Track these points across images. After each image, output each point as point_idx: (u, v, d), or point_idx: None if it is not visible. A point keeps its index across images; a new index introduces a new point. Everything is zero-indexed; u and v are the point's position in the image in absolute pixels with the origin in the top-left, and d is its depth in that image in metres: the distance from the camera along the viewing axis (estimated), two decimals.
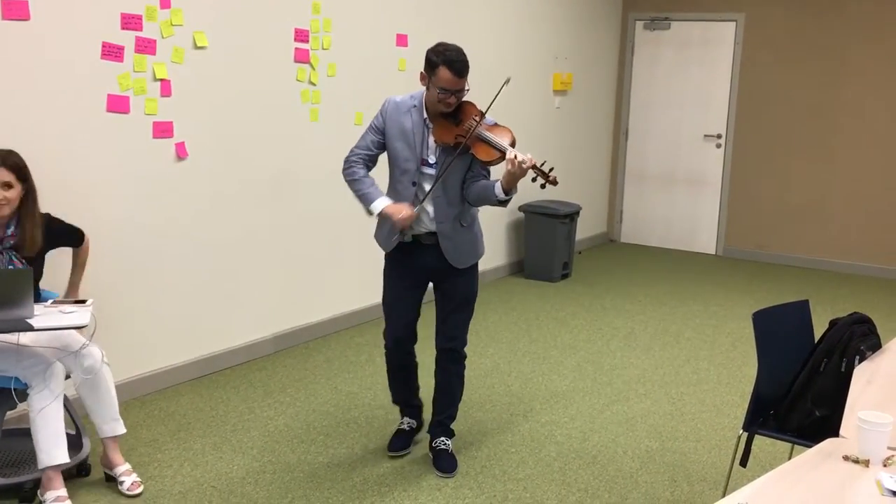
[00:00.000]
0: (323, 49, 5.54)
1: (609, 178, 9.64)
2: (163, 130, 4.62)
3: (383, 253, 3.94)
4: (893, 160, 8.16)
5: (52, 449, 3.41)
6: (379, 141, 3.77)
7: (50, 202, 4.12)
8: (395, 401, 4.23)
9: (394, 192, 3.77)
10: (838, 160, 8.41)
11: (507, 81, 3.73)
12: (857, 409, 2.66)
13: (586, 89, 8.85)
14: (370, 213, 3.73)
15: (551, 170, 3.65)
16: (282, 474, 3.88)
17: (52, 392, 3.41)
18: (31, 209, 3.58)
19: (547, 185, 3.63)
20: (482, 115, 3.67)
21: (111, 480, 3.72)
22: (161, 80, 4.56)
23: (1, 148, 3.54)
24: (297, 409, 4.63)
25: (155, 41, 4.50)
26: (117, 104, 4.37)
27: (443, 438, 4.04)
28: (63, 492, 3.44)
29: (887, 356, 3.33)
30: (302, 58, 5.39)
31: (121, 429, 3.70)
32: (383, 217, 3.72)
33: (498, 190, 3.61)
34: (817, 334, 3.53)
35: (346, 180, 3.79)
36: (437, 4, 6.49)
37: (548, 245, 7.64)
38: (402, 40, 6.16)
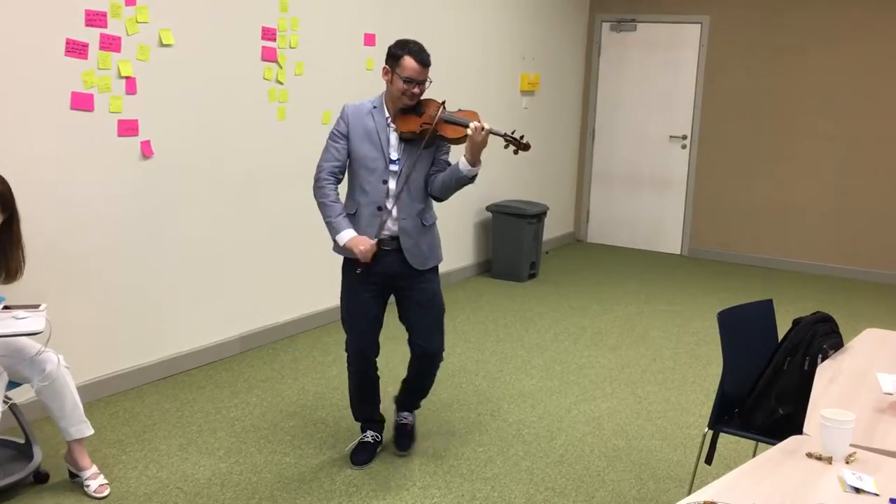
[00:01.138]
0: (290, 48, 5.51)
1: (576, 179, 9.68)
2: (128, 129, 4.57)
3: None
4: (855, 161, 8.28)
5: None
6: (344, 147, 3.76)
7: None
8: (358, 418, 4.15)
9: (363, 194, 3.74)
10: (802, 161, 8.52)
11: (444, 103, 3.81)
12: (820, 407, 2.70)
13: (553, 90, 8.89)
14: (336, 242, 3.75)
15: (522, 136, 3.72)
16: (249, 475, 3.86)
17: None
18: (14, 237, 3.52)
19: (520, 150, 3.71)
20: (441, 105, 3.73)
21: (75, 477, 3.67)
22: (126, 77, 4.52)
23: None
24: (263, 409, 4.61)
25: (120, 38, 4.45)
26: (81, 102, 4.32)
27: (405, 412, 4.19)
28: None
29: (849, 355, 3.38)
30: (269, 56, 5.36)
31: (88, 430, 3.66)
32: (344, 250, 3.74)
33: (463, 164, 3.67)
34: (781, 333, 3.57)
35: (317, 201, 3.77)
36: (405, 4, 6.48)
37: (515, 245, 7.66)
38: (369, 39, 6.14)
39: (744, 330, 3.56)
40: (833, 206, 8.43)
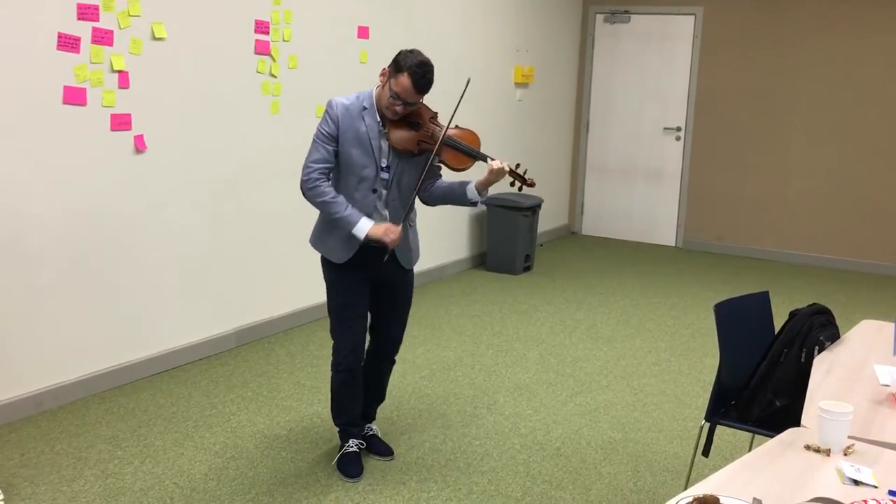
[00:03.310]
0: (284, 41, 5.49)
1: (570, 171, 9.68)
2: (121, 123, 4.55)
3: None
4: (849, 152, 8.29)
5: None
6: (335, 150, 3.55)
7: (4, 197, 4.05)
8: (340, 422, 3.92)
9: (351, 201, 3.58)
10: (796, 152, 8.53)
11: (469, 83, 3.72)
12: (817, 399, 2.70)
13: (547, 82, 8.88)
14: (354, 237, 3.55)
15: (525, 172, 3.66)
16: (245, 470, 3.85)
17: None
18: None
19: (524, 187, 3.64)
20: (435, 115, 3.60)
21: None
22: (118, 71, 4.49)
23: None
24: (259, 404, 4.59)
25: (112, 32, 4.42)
26: (74, 96, 4.29)
27: (370, 425, 4.10)
28: None
29: (846, 346, 3.38)
30: (262, 50, 5.34)
31: None
32: (369, 241, 3.55)
33: (472, 193, 3.58)
34: (777, 325, 3.57)
35: (316, 201, 3.55)
36: None
37: (510, 238, 7.65)
38: (363, 32, 6.12)
39: (740, 322, 3.56)
40: (829, 196, 8.44)
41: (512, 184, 3.69)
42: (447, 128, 3.55)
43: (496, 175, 3.50)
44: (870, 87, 8.11)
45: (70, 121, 4.30)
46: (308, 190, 3.56)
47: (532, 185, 3.64)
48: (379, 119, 3.55)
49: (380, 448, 4.04)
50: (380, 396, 4.10)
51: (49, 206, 4.26)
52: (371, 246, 3.60)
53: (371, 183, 3.59)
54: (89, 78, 4.35)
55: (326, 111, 3.56)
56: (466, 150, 3.56)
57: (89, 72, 4.34)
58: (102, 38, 4.38)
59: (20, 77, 4.06)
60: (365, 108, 3.55)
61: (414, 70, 3.39)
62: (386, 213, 3.65)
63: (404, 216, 3.66)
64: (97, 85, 4.39)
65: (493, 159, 3.51)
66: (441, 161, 3.60)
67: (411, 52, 3.46)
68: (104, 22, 4.38)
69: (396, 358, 4.03)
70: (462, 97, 3.65)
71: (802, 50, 8.35)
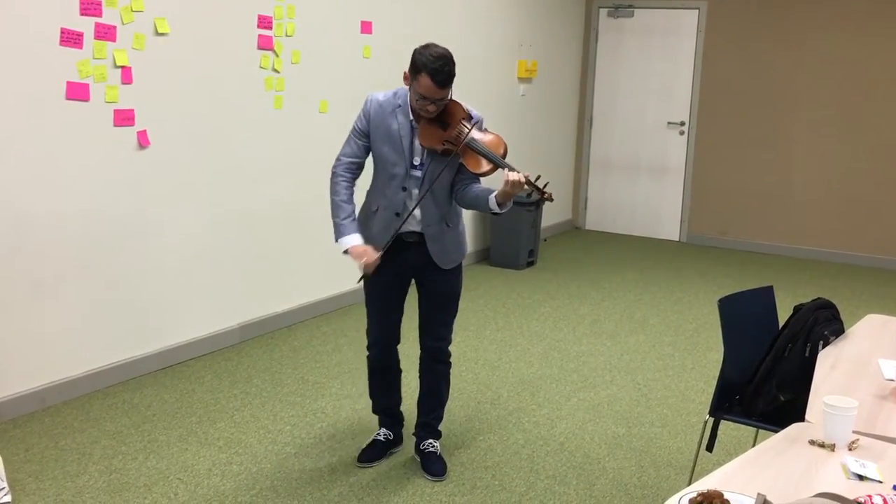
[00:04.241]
0: (287, 36, 5.48)
1: (574, 166, 9.66)
2: (124, 118, 4.54)
3: None
4: (854, 146, 8.27)
5: None
6: (365, 146, 3.57)
7: (8, 193, 4.05)
8: (376, 409, 3.99)
9: (383, 197, 3.58)
10: (800, 147, 8.50)
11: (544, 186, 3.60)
12: (822, 394, 2.69)
13: (551, 77, 8.86)
14: (336, 242, 3.59)
15: (546, 185, 3.56)
16: (249, 466, 3.85)
17: None
18: None
19: (544, 200, 3.54)
20: (471, 117, 3.51)
21: None
22: (122, 67, 4.49)
23: None
24: (263, 399, 4.60)
25: (115, 27, 4.42)
26: (77, 92, 4.29)
27: (430, 441, 3.93)
28: None
29: (850, 341, 3.37)
30: (265, 45, 5.33)
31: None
32: (348, 254, 3.56)
33: (493, 204, 3.47)
34: (781, 320, 3.57)
35: (330, 196, 3.59)
36: None
37: (513, 232, 7.64)
38: (366, 27, 6.11)
39: (744, 317, 3.56)
40: (833, 191, 8.42)
41: (529, 195, 3.58)
42: (471, 127, 3.47)
43: (512, 187, 3.36)
44: (875, 81, 8.09)
45: (73, 117, 4.30)
46: (330, 182, 3.61)
47: (551, 199, 3.51)
48: (412, 118, 3.51)
49: (430, 467, 3.84)
50: (434, 402, 3.90)
51: (53, 202, 4.26)
52: (399, 240, 3.60)
53: (401, 181, 3.54)
54: (92, 73, 4.35)
55: (362, 107, 3.57)
56: (485, 154, 3.46)
57: (92, 67, 4.34)
58: (105, 33, 4.37)
59: (23, 73, 4.05)
60: (399, 106, 3.51)
61: (429, 68, 3.31)
62: (417, 212, 3.58)
63: (440, 216, 3.61)
64: (100, 80, 4.39)
65: (512, 170, 3.38)
66: (461, 163, 3.51)
67: (426, 47, 3.39)
68: (107, 17, 4.37)
69: (451, 361, 3.88)
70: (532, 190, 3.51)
71: (807, 44, 8.32)
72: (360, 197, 3.67)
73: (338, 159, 3.61)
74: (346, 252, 3.57)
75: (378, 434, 4.00)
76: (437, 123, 3.49)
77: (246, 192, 5.37)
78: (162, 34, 4.68)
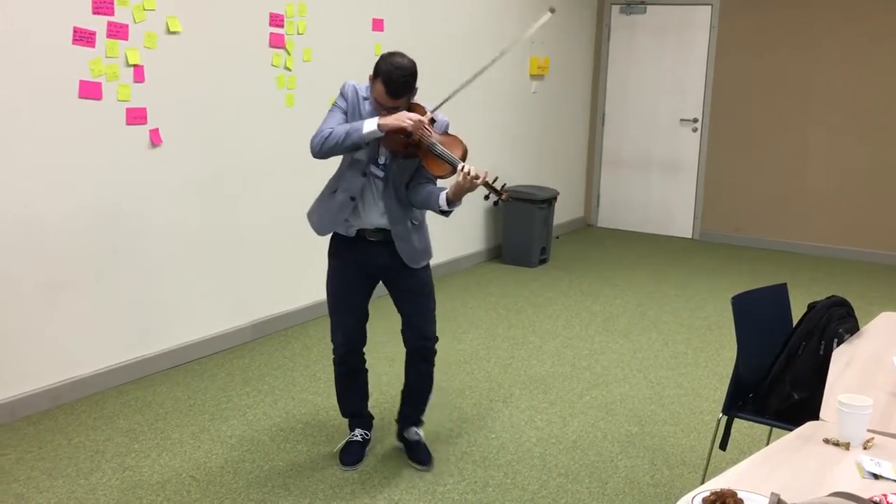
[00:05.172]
0: (298, 34, 5.48)
1: (586, 163, 9.64)
2: (136, 117, 4.55)
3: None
4: (867, 142, 8.22)
5: None
6: (345, 120, 3.53)
7: (21, 191, 4.07)
8: (345, 413, 3.97)
9: (343, 180, 3.59)
10: (813, 143, 8.46)
11: (553, 11, 3.60)
12: (836, 392, 2.67)
13: (563, 74, 8.84)
14: (368, 139, 3.39)
15: (503, 186, 3.55)
16: (261, 463, 3.86)
17: None
18: None
19: (499, 202, 3.52)
20: (433, 120, 3.50)
21: None
22: (134, 65, 4.50)
23: None
24: (275, 397, 4.60)
25: (127, 26, 4.43)
26: (89, 90, 4.30)
27: (415, 428, 3.96)
28: None
29: (865, 339, 3.35)
30: (277, 43, 5.34)
31: None
32: (386, 129, 3.34)
33: (442, 200, 3.45)
34: (795, 317, 3.54)
35: (324, 141, 3.40)
36: None
37: (525, 230, 7.63)
38: (377, 25, 6.11)
39: (758, 314, 3.53)
40: (847, 187, 8.37)
41: (486, 197, 3.52)
42: (431, 130, 3.45)
43: (464, 181, 3.34)
44: (889, 78, 8.03)
45: (86, 115, 4.31)
46: (314, 141, 3.44)
47: (506, 199, 3.50)
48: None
49: (418, 456, 3.89)
50: (420, 397, 3.92)
51: (65, 201, 4.27)
52: (359, 236, 3.61)
53: (362, 166, 3.54)
54: (105, 72, 4.36)
55: (340, 90, 3.57)
56: (444, 157, 3.44)
57: (105, 66, 4.35)
58: (117, 32, 4.38)
59: (36, 71, 4.07)
60: (367, 99, 3.53)
61: (386, 76, 3.33)
62: (381, 203, 3.56)
63: (404, 214, 3.60)
64: (112, 79, 4.40)
65: (467, 166, 3.35)
66: (423, 167, 3.51)
67: (391, 55, 3.39)
68: (119, 16, 4.38)
69: (435, 360, 3.87)
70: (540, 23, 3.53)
71: (820, 40, 8.27)
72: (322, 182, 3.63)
73: (318, 131, 3.46)
74: (379, 127, 3.36)
75: (354, 435, 3.96)
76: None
77: (258, 189, 5.37)
78: (174, 33, 4.69)
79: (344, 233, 3.65)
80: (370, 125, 3.37)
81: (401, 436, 4.00)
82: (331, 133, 3.42)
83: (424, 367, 3.86)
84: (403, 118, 3.37)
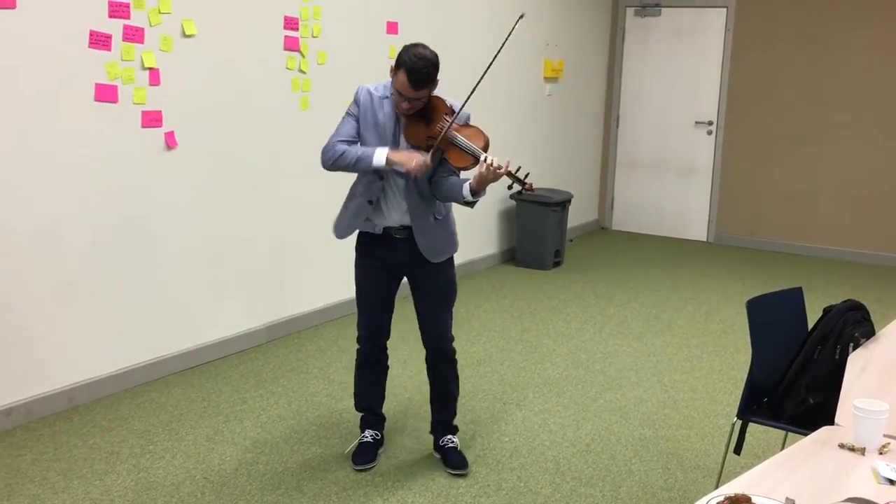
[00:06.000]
0: (313, 37, 5.50)
1: (600, 166, 9.62)
2: (152, 120, 4.58)
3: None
4: (883, 146, 8.17)
5: None
6: (358, 129, 3.59)
7: (38, 194, 4.10)
8: (359, 406, 3.97)
9: (360, 185, 3.63)
10: (829, 146, 8.41)
11: (522, 17, 3.62)
12: (852, 397, 2.65)
13: (577, 76, 8.82)
14: (375, 169, 3.48)
15: (527, 175, 3.53)
16: (275, 465, 3.87)
17: None
18: None
19: (523, 191, 3.51)
20: (453, 112, 3.51)
21: None
22: (149, 68, 4.52)
23: None
24: (289, 399, 4.61)
25: (143, 29, 4.45)
26: (105, 93, 4.33)
27: (449, 436, 3.95)
28: None
29: (881, 343, 3.33)
30: (292, 46, 5.35)
31: None
32: (393, 165, 3.44)
33: (466, 191, 3.46)
34: (811, 321, 3.52)
35: (335, 160, 3.50)
36: None
37: (539, 233, 7.62)
38: (392, 28, 6.12)
39: (773, 318, 3.51)
40: (863, 191, 8.32)
41: (510, 187, 3.52)
42: (452, 121, 3.47)
43: (487, 171, 3.36)
44: None
45: (102, 118, 4.34)
46: (325, 154, 3.53)
47: (531, 189, 3.49)
48: (398, 111, 3.55)
49: (454, 462, 3.86)
50: (445, 400, 3.91)
51: (81, 203, 4.30)
52: (385, 234, 3.65)
53: (380, 170, 3.54)
54: (120, 75, 4.38)
55: (354, 96, 3.60)
56: (466, 148, 3.45)
57: (120, 69, 4.38)
58: (133, 35, 4.41)
59: (52, 74, 4.10)
60: (387, 97, 3.56)
61: (409, 65, 3.35)
62: (403, 203, 3.60)
63: (426, 208, 3.62)
64: (128, 82, 4.43)
65: (489, 157, 3.37)
66: (444, 158, 3.52)
67: (414, 46, 3.43)
68: (135, 19, 4.41)
69: (456, 358, 3.88)
70: (511, 32, 3.59)
71: (836, 42, 8.23)
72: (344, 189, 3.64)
73: (329, 141, 3.55)
74: (387, 163, 3.44)
75: (365, 436, 3.97)
76: (421, 121, 3.53)
77: (272, 192, 5.39)
78: (189, 36, 4.71)
79: (371, 230, 3.69)
80: (380, 158, 3.45)
81: (437, 445, 3.97)
82: (342, 154, 3.51)
83: (445, 366, 3.87)
84: (411, 158, 3.43)
